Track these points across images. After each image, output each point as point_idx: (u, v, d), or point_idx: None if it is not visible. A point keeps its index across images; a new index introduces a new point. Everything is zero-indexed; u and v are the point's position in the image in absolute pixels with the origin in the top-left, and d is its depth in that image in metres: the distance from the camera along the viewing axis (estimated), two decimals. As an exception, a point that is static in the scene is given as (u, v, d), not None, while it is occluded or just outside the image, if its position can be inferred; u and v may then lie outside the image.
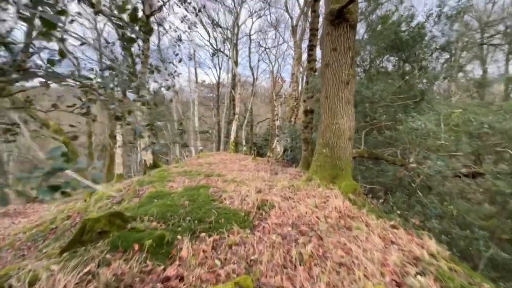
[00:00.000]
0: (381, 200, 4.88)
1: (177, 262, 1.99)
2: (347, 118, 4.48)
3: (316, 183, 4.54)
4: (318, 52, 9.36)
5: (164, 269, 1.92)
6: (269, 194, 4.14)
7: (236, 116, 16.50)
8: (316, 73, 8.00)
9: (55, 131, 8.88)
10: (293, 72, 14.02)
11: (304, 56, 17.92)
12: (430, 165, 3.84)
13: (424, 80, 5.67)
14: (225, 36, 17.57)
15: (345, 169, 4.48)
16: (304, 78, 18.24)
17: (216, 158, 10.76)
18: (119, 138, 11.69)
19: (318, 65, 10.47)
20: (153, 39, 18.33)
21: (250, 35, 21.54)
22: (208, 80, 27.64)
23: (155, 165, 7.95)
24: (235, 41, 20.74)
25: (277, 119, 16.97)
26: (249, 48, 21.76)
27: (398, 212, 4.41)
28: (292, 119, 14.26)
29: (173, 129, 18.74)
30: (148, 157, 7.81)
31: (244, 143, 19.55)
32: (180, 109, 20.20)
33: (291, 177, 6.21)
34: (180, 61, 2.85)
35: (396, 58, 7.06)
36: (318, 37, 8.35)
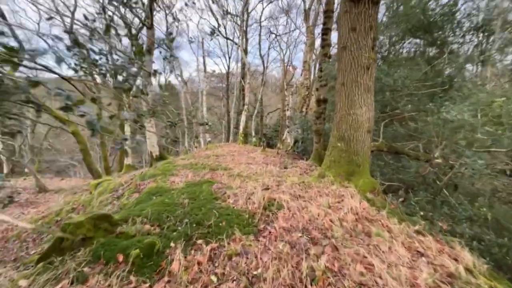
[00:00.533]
0: (401, 199, 4.44)
1: (166, 278, 1.70)
2: (366, 108, 3.99)
3: (330, 180, 4.14)
4: (333, 37, 8.69)
5: (150, 287, 1.63)
6: (277, 191, 3.79)
7: (246, 107, 16.07)
8: (331, 60, 7.41)
9: (62, 121, 8.85)
10: (305, 59, 13.31)
11: (318, 43, 17.05)
12: (468, 163, 3.33)
13: (454, 65, 5.02)
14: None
15: (362, 165, 4.05)
16: (317, 66, 17.43)
17: (225, 149, 10.49)
18: (127, 128, 11.63)
19: (333, 51, 9.78)
20: (163, 27, 17.98)
21: (260, 22, 20.70)
22: (218, 70, 27.19)
23: (161, 157, 7.77)
24: (244, 29, 20.01)
25: (287, 110, 16.42)
26: (259, 36, 20.98)
27: (421, 213, 3.96)
28: (304, 110, 13.68)
29: (182, 120, 18.59)
30: (154, 149, 7.62)
31: (253, 134, 19.18)
32: (189, 100, 19.97)
33: (302, 171, 5.82)
34: (172, 40, 2.49)
35: (420, 41, 6.36)
36: (334, 20, 7.69)
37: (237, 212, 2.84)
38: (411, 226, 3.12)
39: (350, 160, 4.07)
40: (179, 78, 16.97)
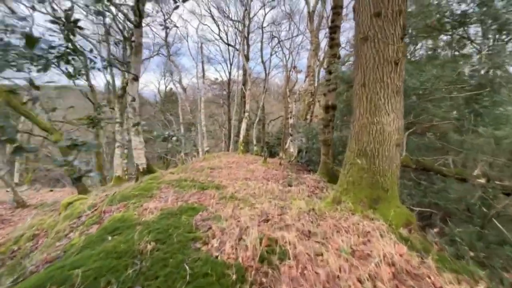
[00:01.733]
0: (435, 230, 3.48)
1: None
2: (394, 115, 3.10)
3: (348, 208, 3.20)
4: (341, 37, 7.88)
5: None
6: (279, 224, 2.86)
7: (247, 114, 15.29)
8: (340, 60, 6.59)
9: (45, 129, 8.07)
10: (309, 64, 12.54)
11: (322, 47, 16.35)
12: None
13: (495, 64, 4.15)
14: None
15: (390, 189, 3.11)
16: (321, 71, 16.67)
17: (222, 160, 9.60)
18: (118, 137, 10.86)
19: (342, 51, 8.98)
20: (162, 34, 17.54)
21: (262, 27, 20.16)
22: (220, 78, 26.66)
23: (149, 171, 6.89)
24: (246, 34, 19.50)
25: (290, 117, 15.57)
26: (261, 42, 20.39)
27: (471, 254, 3.00)
28: (308, 117, 12.82)
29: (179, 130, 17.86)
30: (141, 161, 6.75)
31: (255, 142, 18.33)
32: (188, 107, 19.27)
33: (309, 191, 4.88)
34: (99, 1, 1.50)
35: (447, 38, 5.53)
36: (343, 17, 6.92)
37: (220, 268, 1.91)
38: (472, 284, 2.18)
39: (375, 182, 3.14)
40: (177, 85, 16.28)
